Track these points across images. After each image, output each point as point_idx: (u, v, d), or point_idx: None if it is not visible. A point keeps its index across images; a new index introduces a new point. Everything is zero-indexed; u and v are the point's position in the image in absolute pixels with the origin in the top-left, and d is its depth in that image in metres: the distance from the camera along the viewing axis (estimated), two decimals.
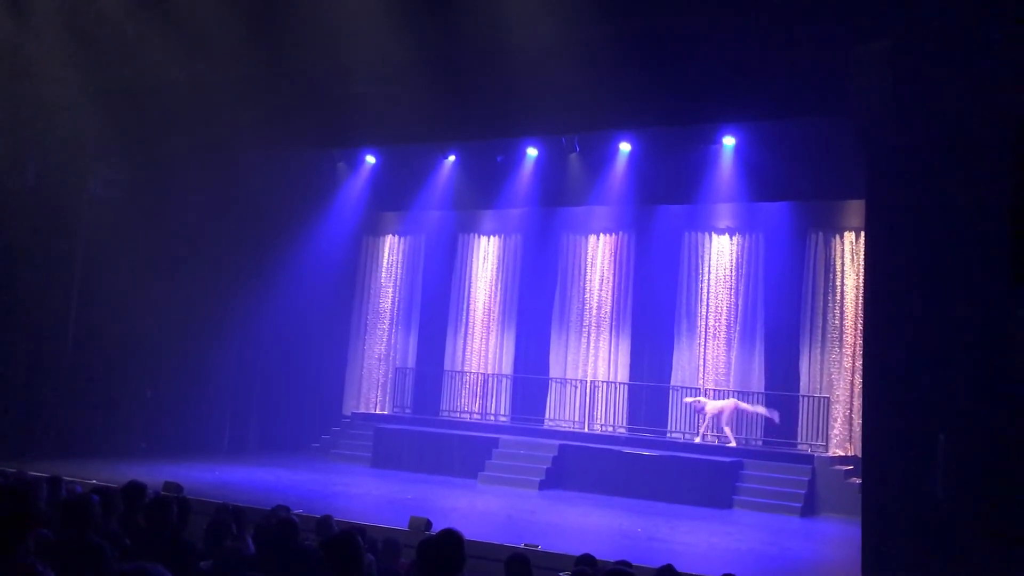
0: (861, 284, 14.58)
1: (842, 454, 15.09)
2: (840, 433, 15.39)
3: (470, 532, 9.17)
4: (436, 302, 19.40)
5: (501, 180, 17.58)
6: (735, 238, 16.77)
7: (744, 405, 15.87)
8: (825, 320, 15.73)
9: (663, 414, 16.85)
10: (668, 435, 16.52)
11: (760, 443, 15.84)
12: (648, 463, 14.90)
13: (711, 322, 16.69)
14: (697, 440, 15.91)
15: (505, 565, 5.61)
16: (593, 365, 17.68)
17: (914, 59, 9.82)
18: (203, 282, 16.65)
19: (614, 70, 11.55)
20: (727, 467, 14.56)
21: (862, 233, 13.74)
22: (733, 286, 16.68)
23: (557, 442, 16.00)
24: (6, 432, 14.31)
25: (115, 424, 15.91)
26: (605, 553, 7.66)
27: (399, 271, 19.85)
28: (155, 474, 11.89)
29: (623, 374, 17.45)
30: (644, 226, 17.58)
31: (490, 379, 18.49)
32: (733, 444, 15.53)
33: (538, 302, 18.44)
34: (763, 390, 16.13)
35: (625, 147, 16.40)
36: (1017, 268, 8.46)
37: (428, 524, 9.69)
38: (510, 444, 16.21)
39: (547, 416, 17.86)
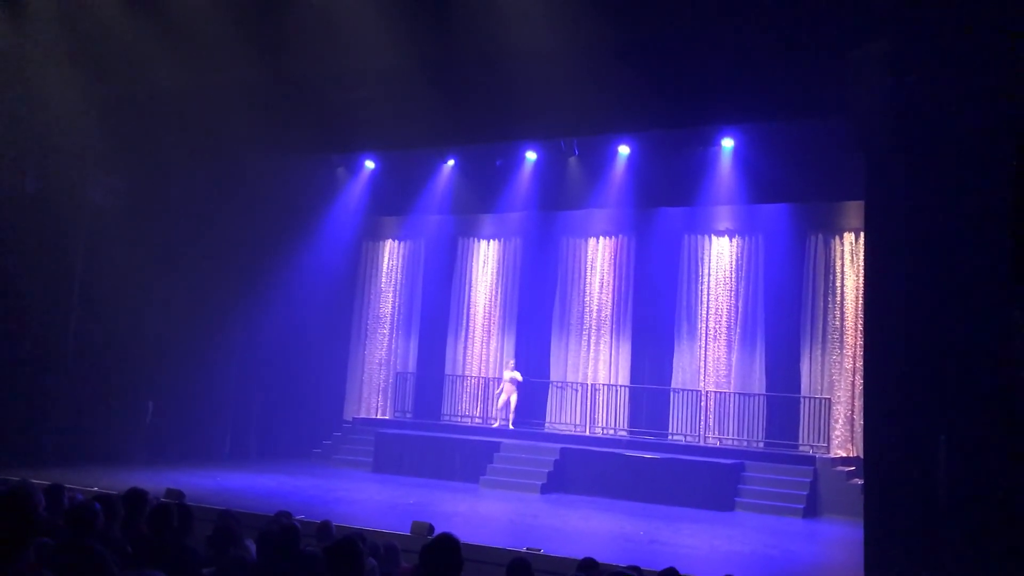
0: (861, 285, 14.59)
1: (844, 455, 15.09)
2: (841, 434, 15.39)
3: (472, 537, 9.18)
4: (436, 306, 19.41)
5: (500, 184, 17.60)
6: (735, 240, 16.78)
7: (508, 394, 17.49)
8: (825, 321, 15.73)
9: (664, 417, 16.85)
10: (669, 437, 16.51)
11: (761, 445, 15.83)
12: (650, 466, 14.90)
13: (711, 324, 16.70)
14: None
15: (507, 570, 5.59)
16: (594, 368, 17.68)
17: (912, 60, 9.83)
18: (204, 289, 16.64)
19: (613, 73, 11.56)
20: (728, 469, 14.56)
21: (862, 234, 13.75)
22: (733, 288, 16.69)
23: (558, 445, 16.00)
24: (8, 440, 14.29)
25: (116, 431, 15.89)
26: (607, 557, 7.65)
27: (399, 276, 19.86)
28: (157, 481, 11.90)
29: (624, 377, 17.46)
30: (644, 229, 17.60)
31: (491, 383, 18.48)
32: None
33: (538, 306, 18.46)
34: (764, 392, 16.14)
35: (624, 150, 16.42)
36: (1016, 267, 8.46)
37: (430, 529, 9.68)
38: (511, 448, 16.21)
39: (548, 420, 17.87)
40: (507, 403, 17.43)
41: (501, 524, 12.33)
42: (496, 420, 17.65)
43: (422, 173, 18.14)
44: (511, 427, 17.21)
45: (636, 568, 5.80)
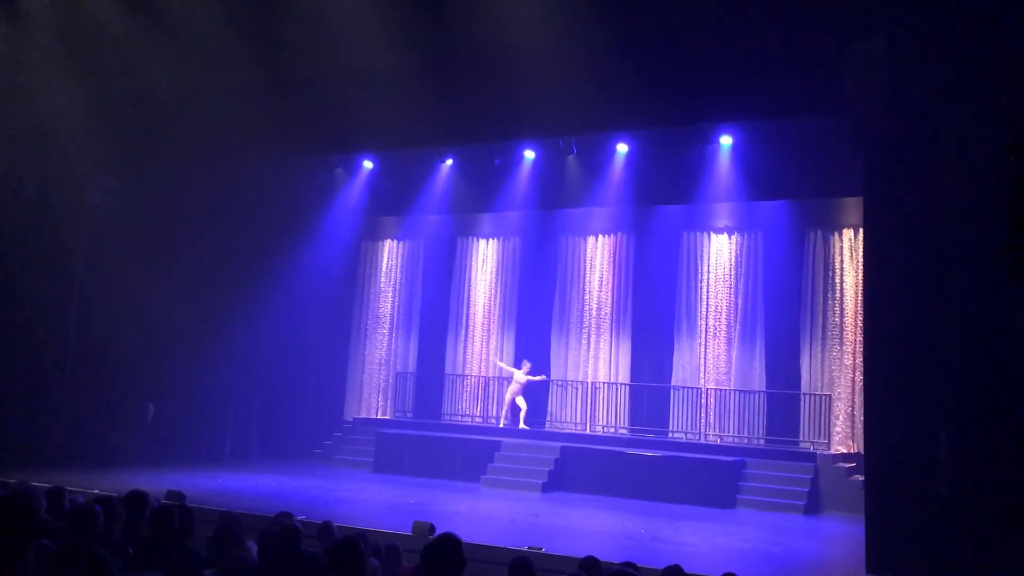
0: (861, 281, 14.57)
1: (844, 451, 15.09)
2: (842, 431, 15.39)
3: (473, 536, 9.18)
4: (436, 306, 19.41)
5: (499, 183, 17.59)
6: (734, 237, 16.78)
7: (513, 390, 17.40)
8: (825, 318, 15.74)
9: (664, 414, 16.85)
10: (670, 435, 16.52)
11: (762, 442, 15.84)
12: (650, 464, 14.90)
13: (711, 321, 16.70)
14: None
15: (509, 569, 5.60)
16: (594, 366, 17.68)
17: (910, 57, 9.83)
18: (203, 290, 16.61)
19: (611, 71, 11.56)
20: (729, 467, 14.56)
21: (861, 230, 13.75)
22: (732, 285, 16.69)
23: (559, 444, 16.00)
24: (8, 443, 14.29)
25: (117, 433, 15.89)
26: (609, 555, 7.65)
27: (398, 276, 19.86)
28: (157, 483, 11.90)
29: (624, 375, 17.46)
30: (643, 227, 17.59)
31: (491, 382, 18.49)
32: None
33: (538, 304, 18.46)
34: (764, 388, 16.14)
35: (623, 148, 16.41)
36: (1015, 262, 8.47)
37: (431, 528, 9.69)
38: (512, 447, 16.21)
39: (548, 418, 17.87)
40: (513, 403, 17.37)
41: (502, 523, 12.32)
42: (502, 420, 17.58)
43: (420, 173, 18.13)
44: (522, 426, 17.12)
45: (631, 564, 5.79)
